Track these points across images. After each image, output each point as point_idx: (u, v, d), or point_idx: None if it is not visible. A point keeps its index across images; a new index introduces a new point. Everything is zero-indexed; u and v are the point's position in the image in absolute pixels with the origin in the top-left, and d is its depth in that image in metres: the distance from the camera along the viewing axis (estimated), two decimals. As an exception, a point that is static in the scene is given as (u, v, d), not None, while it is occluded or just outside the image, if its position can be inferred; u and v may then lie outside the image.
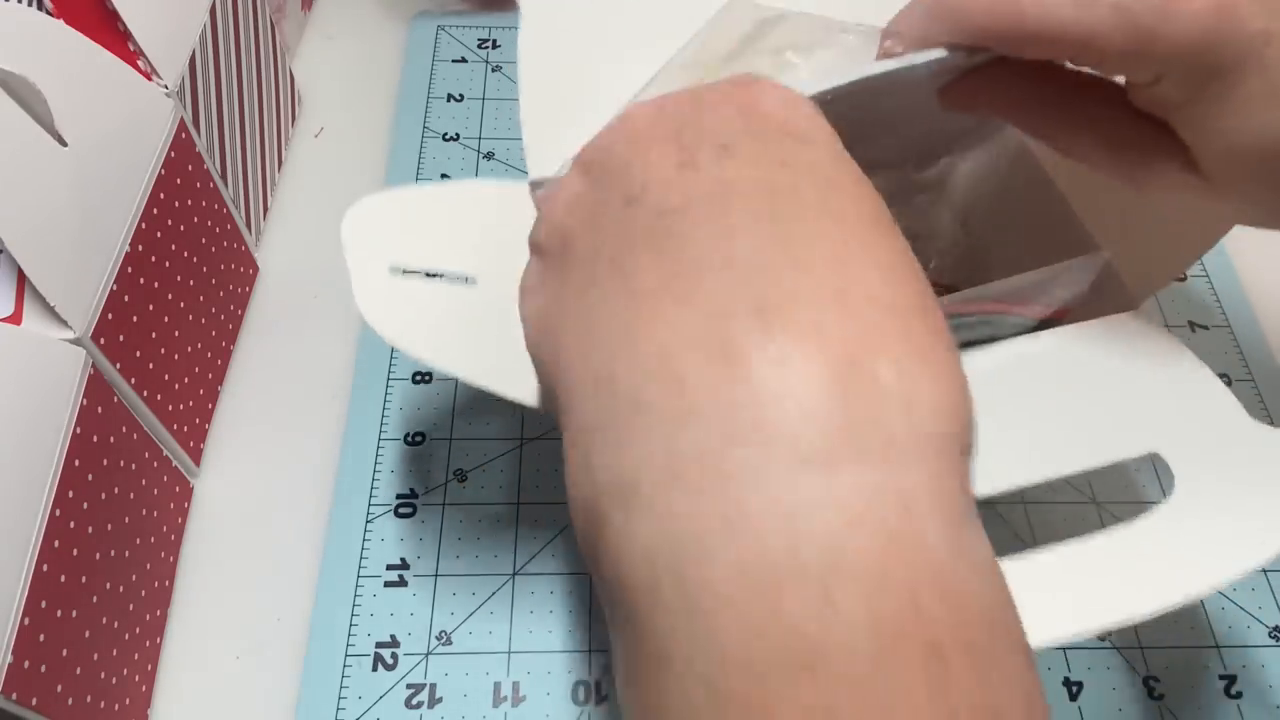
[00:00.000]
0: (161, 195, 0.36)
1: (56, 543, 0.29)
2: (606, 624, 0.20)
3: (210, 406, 0.41)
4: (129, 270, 0.34)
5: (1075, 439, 0.29)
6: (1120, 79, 0.26)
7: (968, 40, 0.24)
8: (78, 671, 0.30)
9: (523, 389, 0.28)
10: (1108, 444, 0.29)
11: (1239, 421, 0.30)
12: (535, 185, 0.29)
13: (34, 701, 0.27)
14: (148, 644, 0.35)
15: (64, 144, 0.31)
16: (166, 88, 0.37)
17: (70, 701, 0.29)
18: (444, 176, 0.49)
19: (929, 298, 0.19)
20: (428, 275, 0.30)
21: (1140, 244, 0.32)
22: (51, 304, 0.30)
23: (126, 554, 0.33)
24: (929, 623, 0.15)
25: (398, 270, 0.30)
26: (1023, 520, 0.39)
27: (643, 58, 0.34)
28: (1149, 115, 0.25)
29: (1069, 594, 0.26)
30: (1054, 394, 0.30)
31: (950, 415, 0.17)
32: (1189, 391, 0.30)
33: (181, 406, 0.38)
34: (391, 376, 0.42)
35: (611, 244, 0.20)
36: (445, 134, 0.51)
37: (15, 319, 0.30)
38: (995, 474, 0.29)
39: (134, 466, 0.34)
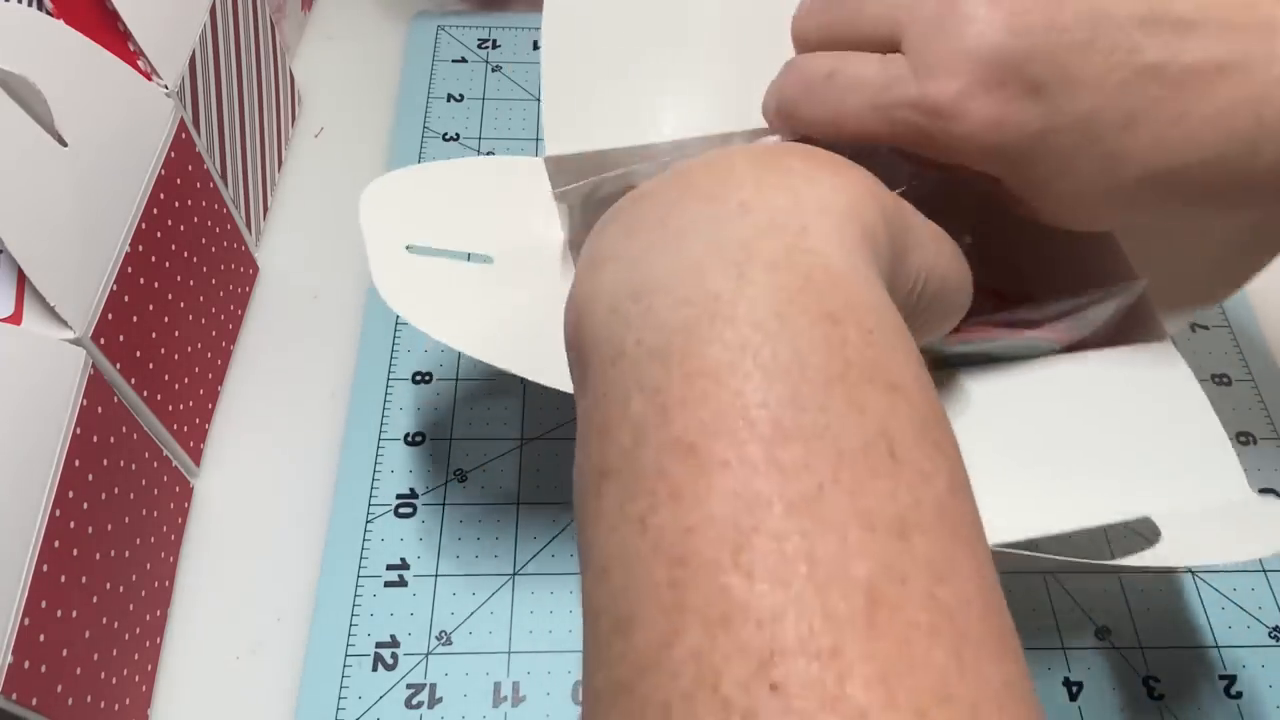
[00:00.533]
0: (161, 195, 0.36)
1: (56, 543, 0.29)
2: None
3: (210, 406, 0.41)
4: (129, 270, 0.34)
5: (1073, 494, 0.29)
6: None
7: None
8: (78, 671, 0.30)
9: (537, 368, 0.28)
10: (1105, 504, 0.29)
11: (1238, 490, 0.29)
12: (551, 161, 0.31)
13: (34, 701, 0.27)
14: (148, 644, 0.35)
15: (64, 144, 0.31)
16: (166, 88, 0.37)
17: (70, 701, 0.29)
18: (444, 176, 0.49)
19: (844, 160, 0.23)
20: (441, 253, 0.30)
21: (1177, 273, 0.31)
22: (51, 304, 0.30)
23: (126, 554, 0.33)
24: (823, 296, 0.19)
25: (414, 248, 0.29)
26: (1141, 664, 0.37)
27: (662, 39, 0.34)
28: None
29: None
30: (1060, 438, 0.30)
31: (847, 200, 0.21)
32: (1195, 454, 0.29)
33: (181, 406, 0.38)
34: (391, 376, 0.43)
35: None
36: (445, 134, 0.51)
37: (15, 319, 0.30)
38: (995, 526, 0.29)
39: (134, 466, 0.34)
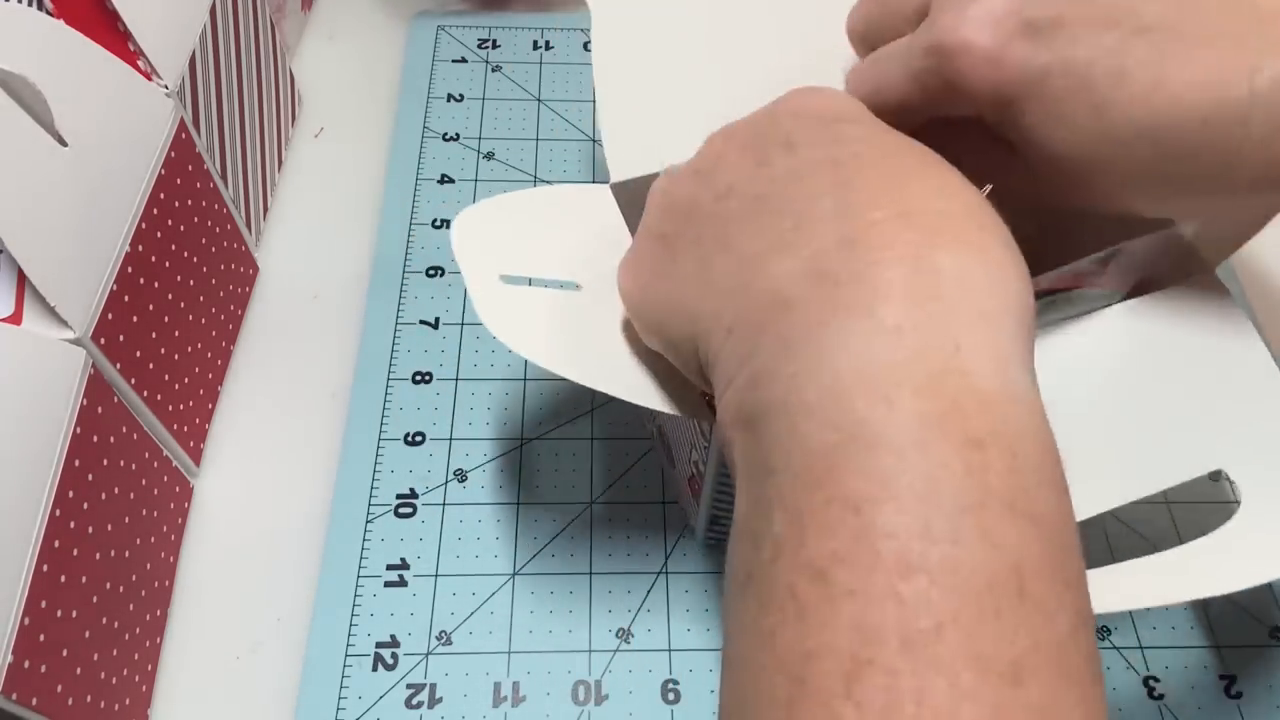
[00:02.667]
0: (161, 195, 0.36)
1: (56, 543, 0.29)
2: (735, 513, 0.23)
3: (210, 406, 0.41)
4: (129, 270, 0.34)
5: (1144, 458, 0.29)
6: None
7: None
8: (78, 671, 0.30)
9: (636, 389, 0.29)
10: (1177, 464, 0.29)
11: None
12: (616, 188, 0.33)
13: (34, 701, 0.27)
14: (148, 644, 0.35)
15: (64, 144, 0.31)
16: (166, 88, 0.37)
17: (70, 701, 0.29)
18: (444, 176, 0.49)
19: (980, 204, 0.23)
20: (534, 282, 0.31)
21: (1212, 216, 0.32)
22: (51, 304, 0.30)
23: (126, 554, 0.33)
24: (969, 422, 0.19)
25: (508, 278, 0.31)
26: (1141, 664, 0.37)
27: (713, 57, 0.35)
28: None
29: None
30: (1118, 398, 0.30)
31: (1001, 292, 0.21)
32: (1259, 400, 0.30)
33: (181, 406, 0.38)
34: (391, 376, 0.43)
35: (713, 228, 0.26)
36: (445, 134, 0.51)
37: (15, 319, 0.30)
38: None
39: (134, 466, 0.34)
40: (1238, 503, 0.28)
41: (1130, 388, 0.31)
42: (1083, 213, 0.30)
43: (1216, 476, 0.29)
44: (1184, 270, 0.32)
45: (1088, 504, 0.28)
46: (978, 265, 0.21)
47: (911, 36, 0.29)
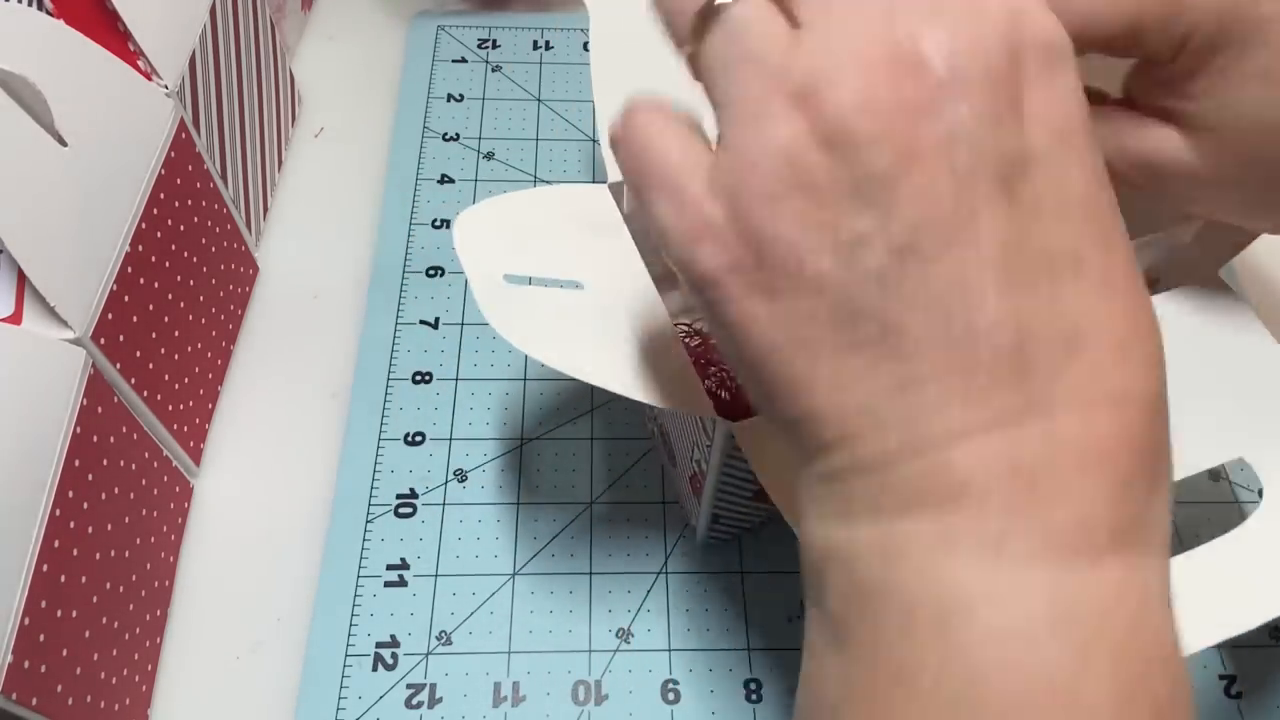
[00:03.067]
0: (161, 195, 0.36)
1: (56, 543, 0.29)
2: (812, 648, 0.21)
3: (210, 406, 0.41)
4: (129, 270, 0.34)
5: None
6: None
7: None
8: (78, 671, 0.30)
9: (640, 386, 0.29)
10: (1196, 450, 0.29)
11: None
12: (616, 187, 0.33)
13: (34, 701, 0.27)
14: (148, 644, 0.35)
15: (64, 144, 0.31)
16: (166, 88, 0.37)
17: (70, 701, 0.29)
18: (444, 176, 0.49)
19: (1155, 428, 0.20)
20: (535, 281, 0.31)
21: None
22: (51, 304, 0.30)
23: (126, 554, 0.33)
24: (1157, 688, 0.18)
25: (511, 277, 0.31)
26: None
27: None
28: (1150, 111, 0.27)
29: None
30: None
31: (1163, 528, 0.20)
32: (1272, 387, 0.30)
33: (181, 406, 0.38)
34: (391, 376, 0.43)
35: (878, 281, 0.18)
36: (445, 134, 0.51)
37: (15, 319, 0.30)
38: None
39: (134, 466, 0.34)
40: (1253, 497, 0.28)
41: None
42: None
43: (1216, 476, 0.29)
44: (1185, 274, 0.32)
45: None
46: (1156, 505, 0.19)
47: None
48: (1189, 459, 0.29)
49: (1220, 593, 0.27)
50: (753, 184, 0.19)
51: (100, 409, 0.32)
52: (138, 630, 0.34)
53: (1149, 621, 0.19)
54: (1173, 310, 0.32)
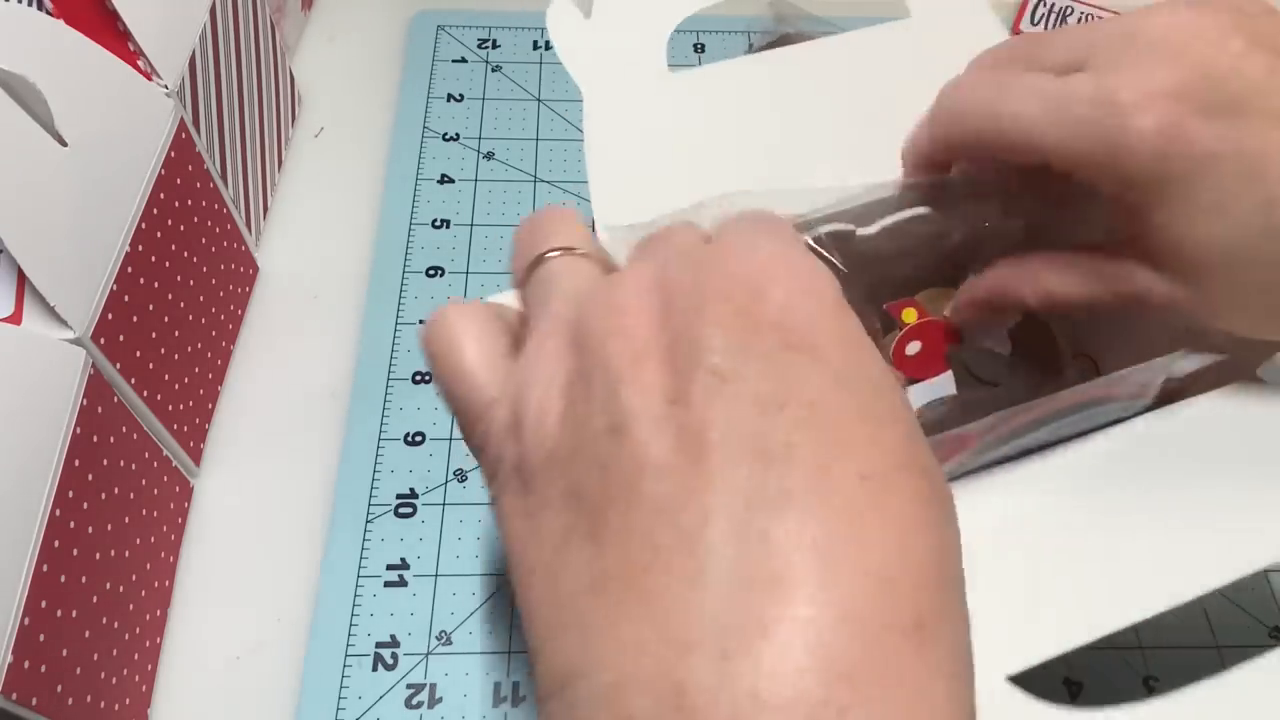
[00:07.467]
0: (161, 195, 0.36)
1: (56, 543, 0.29)
2: None
3: (210, 406, 0.41)
4: (129, 270, 0.34)
5: (1194, 553, 0.28)
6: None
7: (960, 152, 0.30)
8: (78, 671, 0.30)
9: None
10: (1248, 549, 0.28)
11: None
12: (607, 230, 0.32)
13: (34, 701, 0.27)
14: (148, 644, 0.35)
15: (64, 144, 0.31)
16: (166, 88, 0.37)
17: (70, 701, 0.29)
18: (444, 176, 0.49)
19: (929, 610, 0.16)
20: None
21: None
22: (51, 304, 0.30)
23: (126, 554, 0.33)
24: None
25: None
26: (1141, 664, 0.37)
27: (708, 135, 0.35)
28: (1119, 243, 0.28)
29: None
30: (1168, 497, 0.29)
31: None
32: None
33: (181, 406, 0.38)
34: (391, 376, 0.43)
35: (590, 488, 0.18)
36: (445, 134, 0.51)
37: (15, 319, 0.30)
38: (1119, 604, 0.28)
39: (134, 466, 0.34)
40: None
41: (1178, 484, 0.29)
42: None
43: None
44: (1226, 376, 0.31)
45: (1163, 598, 0.27)
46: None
47: (1063, 81, 0.26)
48: (1241, 559, 0.28)
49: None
50: (529, 398, 0.20)
51: (100, 409, 0.32)
52: (138, 630, 0.34)
53: None
54: (1213, 412, 0.30)
